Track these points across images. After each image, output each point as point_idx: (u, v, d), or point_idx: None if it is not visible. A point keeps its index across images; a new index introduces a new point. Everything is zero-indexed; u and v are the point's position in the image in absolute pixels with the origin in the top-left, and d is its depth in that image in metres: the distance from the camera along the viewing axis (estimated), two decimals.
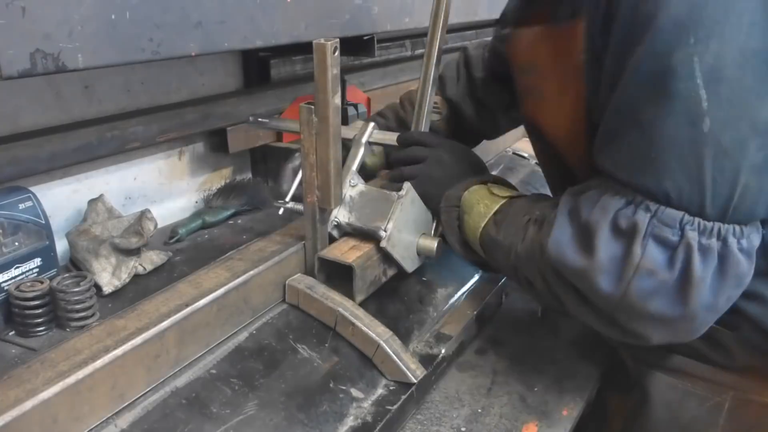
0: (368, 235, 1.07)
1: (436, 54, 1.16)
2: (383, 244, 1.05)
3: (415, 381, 0.96)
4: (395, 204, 1.07)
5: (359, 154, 1.17)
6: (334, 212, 1.08)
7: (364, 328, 0.97)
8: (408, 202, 1.09)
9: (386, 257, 1.08)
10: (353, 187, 1.11)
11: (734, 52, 0.72)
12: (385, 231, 1.05)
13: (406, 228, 1.09)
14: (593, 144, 0.87)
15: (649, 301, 0.79)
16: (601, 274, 0.80)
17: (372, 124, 1.21)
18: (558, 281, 0.87)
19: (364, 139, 1.18)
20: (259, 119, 1.36)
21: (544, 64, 0.97)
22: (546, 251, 0.86)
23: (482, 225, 1.01)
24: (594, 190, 0.84)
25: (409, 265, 1.11)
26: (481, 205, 1.02)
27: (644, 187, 0.78)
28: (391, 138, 1.20)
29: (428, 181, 1.11)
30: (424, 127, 1.20)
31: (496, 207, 1.01)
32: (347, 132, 1.21)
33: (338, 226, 1.10)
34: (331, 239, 1.08)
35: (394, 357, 0.96)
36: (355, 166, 1.15)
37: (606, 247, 0.80)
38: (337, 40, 0.90)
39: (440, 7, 1.14)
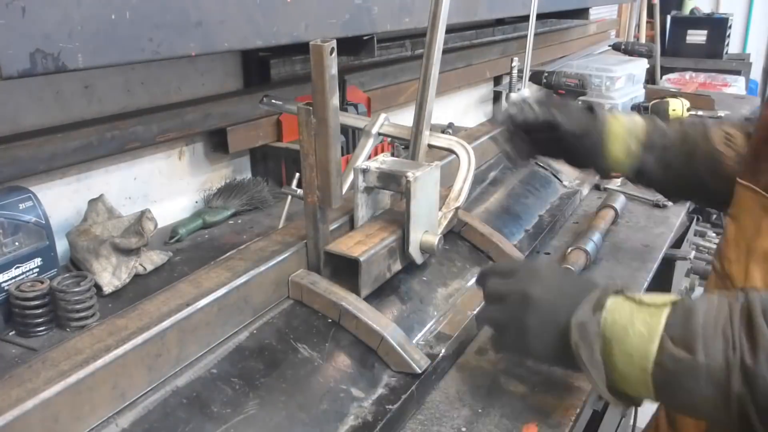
0: (394, 180, 1.07)
1: (435, 54, 1.16)
2: (410, 178, 1.05)
3: (420, 371, 0.96)
4: (425, 166, 1.09)
5: (368, 145, 1.18)
6: (361, 161, 1.09)
7: (367, 321, 0.98)
8: (436, 172, 1.11)
9: (391, 252, 1.08)
10: (385, 158, 1.14)
11: None
12: (413, 174, 1.05)
13: (423, 198, 1.09)
14: None
15: None
16: None
17: (384, 116, 1.21)
18: None
19: (374, 130, 1.19)
20: (273, 100, 1.36)
21: None
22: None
23: (654, 348, 0.75)
24: None
25: (414, 249, 1.11)
26: (638, 323, 0.77)
27: None
28: (402, 131, 1.20)
29: (529, 313, 0.87)
30: (424, 127, 1.19)
31: (662, 321, 0.75)
32: (357, 122, 1.22)
33: (366, 171, 1.09)
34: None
35: (398, 348, 0.97)
36: (363, 157, 1.16)
37: None
38: (334, 41, 0.89)
39: (439, 6, 1.14)
